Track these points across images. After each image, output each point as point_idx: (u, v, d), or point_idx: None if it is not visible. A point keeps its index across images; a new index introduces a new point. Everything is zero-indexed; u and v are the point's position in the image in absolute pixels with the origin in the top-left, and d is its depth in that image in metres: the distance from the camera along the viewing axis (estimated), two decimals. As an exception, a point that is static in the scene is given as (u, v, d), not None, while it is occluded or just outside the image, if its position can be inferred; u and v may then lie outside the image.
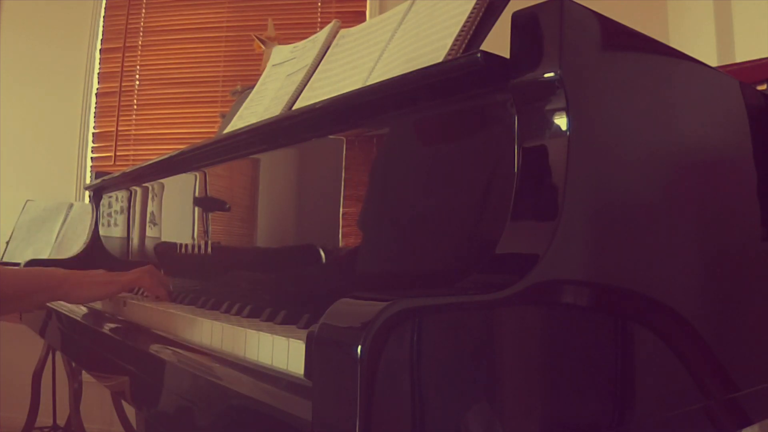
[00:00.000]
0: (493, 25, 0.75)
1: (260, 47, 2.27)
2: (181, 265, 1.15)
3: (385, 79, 0.71)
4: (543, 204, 0.52)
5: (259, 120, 0.97)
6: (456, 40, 0.74)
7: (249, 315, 0.80)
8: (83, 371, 2.04)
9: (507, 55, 0.56)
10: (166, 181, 1.25)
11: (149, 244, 1.31)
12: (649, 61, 0.63)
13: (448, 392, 0.43)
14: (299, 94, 1.03)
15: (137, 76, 2.92)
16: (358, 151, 0.77)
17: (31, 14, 2.95)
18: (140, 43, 2.93)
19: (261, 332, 0.63)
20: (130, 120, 2.90)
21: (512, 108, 0.56)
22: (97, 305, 1.14)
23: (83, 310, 1.16)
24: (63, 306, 1.23)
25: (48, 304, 1.30)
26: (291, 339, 0.58)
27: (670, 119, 0.64)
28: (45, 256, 2.26)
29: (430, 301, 0.43)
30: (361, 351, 0.40)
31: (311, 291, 0.81)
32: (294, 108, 1.00)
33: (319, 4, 2.80)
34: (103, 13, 2.95)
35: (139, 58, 2.93)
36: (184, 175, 1.17)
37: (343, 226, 0.76)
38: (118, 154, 2.88)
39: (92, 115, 2.91)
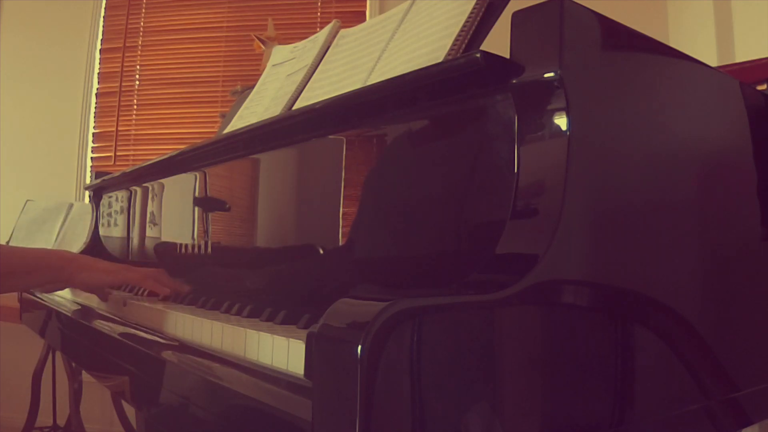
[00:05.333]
0: (493, 25, 0.75)
1: (260, 47, 2.27)
2: (181, 265, 1.15)
3: (385, 79, 0.71)
4: (543, 204, 0.52)
5: (259, 120, 0.97)
6: (456, 40, 0.74)
7: (249, 315, 0.80)
8: (83, 371, 2.04)
9: (507, 55, 0.56)
10: (166, 181, 1.25)
11: (149, 244, 1.31)
12: (649, 61, 0.63)
13: (448, 392, 0.43)
14: (299, 94, 1.03)
15: (137, 76, 2.92)
16: (358, 151, 0.77)
17: (31, 14, 2.95)
18: (140, 43, 2.93)
19: (261, 332, 0.63)
20: (130, 120, 2.90)
21: (512, 108, 0.56)
22: (94, 304, 1.14)
23: (83, 310, 1.16)
24: (63, 306, 1.23)
25: (48, 304, 1.31)
26: (291, 339, 0.58)
27: (670, 119, 0.64)
28: (45, 256, 2.25)
29: (430, 301, 0.43)
30: (361, 351, 0.40)
31: (311, 291, 0.81)
32: (294, 108, 1.00)
33: (319, 4, 2.80)
34: (103, 13, 2.95)
35: (139, 58, 2.93)
36: (184, 175, 1.17)
37: (343, 226, 0.76)
38: (118, 154, 2.88)
39: (92, 115, 2.91)
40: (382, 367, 0.40)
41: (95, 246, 1.58)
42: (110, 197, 1.55)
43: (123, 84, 2.91)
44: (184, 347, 0.75)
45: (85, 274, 0.97)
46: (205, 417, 0.63)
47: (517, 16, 0.56)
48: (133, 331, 0.91)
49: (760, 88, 0.97)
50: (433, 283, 0.63)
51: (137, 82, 2.92)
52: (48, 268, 0.96)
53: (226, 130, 1.18)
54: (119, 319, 1.01)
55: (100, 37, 2.94)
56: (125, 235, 1.43)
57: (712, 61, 1.38)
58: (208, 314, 0.83)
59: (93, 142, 2.90)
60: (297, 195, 0.90)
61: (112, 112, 2.90)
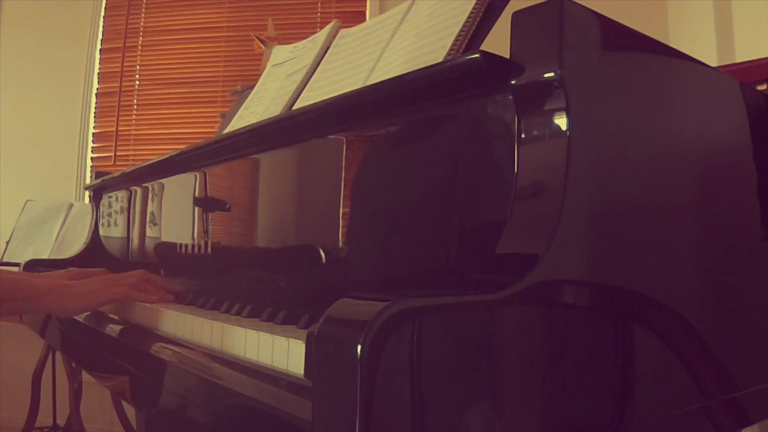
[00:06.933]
0: (493, 25, 0.75)
1: (260, 47, 2.27)
2: (181, 265, 1.15)
3: (385, 79, 0.71)
4: (543, 204, 0.52)
5: (259, 120, 0.97)
6: (456, 40, 0.74)
7: (249, 315, 0.80)
8: (83, 371, 2.04)
9: (507, 55, 0.56)
10: (166, 181, 1.25)
11: (149, 244, 1.31)
12: (649, 61, 0.63)
13: (448, 392, 0.43)
14: (299, 94, 1.03)
15: (137, 76, 2.92)
16: (358, 151, 0.77)
17: (31, 14, 2.95)
18: (140, 43, 2.94)
19: (261, 332, 0.63)
20: (130, 120, 2.90)
21: (512, 108, 0.56)
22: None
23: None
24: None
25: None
26: (291, 339, 0.58)
27: (670, 119, 0.64)
28: (45, 256, 2.26)
29: (430, 301, 0.43)
30: (361, 351, 0.40)
31: (311, 291, 0.81)
32: (294, 108, 1.00)
33: (319, 4, 2.80)
34: (103, 13, 2.96)
35: (139, 58, 2.93)
36: (184, 175, 1.17)
37: (343, 226, 0.76)
38: (118, 154, 2.89)
39: (92, 115, 2.91)
40: (382, 367, 0.40)
41: (95, 246, 1.58)
42: (110, 197, 1.55)
43: (123, 84, 2.91)
44: (184, 347, 0.75)
45: (66, 302, 0.93)
46: (205, 417, 0.63)
47: (517, 16, 0.56)
48: (133, 331, 0.91)
49: (760, 88, 0.97)
50: (433, 283, 0.63)
51: (137, 82, 2.92)
52: (26, 298, 0.91)
53: (226, 130, 1.18)
54: (119, 319, 1.01)
55: (100, 37, 2.95)
56: (125, 235, 1.43)
57: (712, 61, 1.38)
58: (207, 314, 0.83)
59: (93, 142, 2.90)
60: (297, 195, 0.90)
61: (112, 112, 2.90)
